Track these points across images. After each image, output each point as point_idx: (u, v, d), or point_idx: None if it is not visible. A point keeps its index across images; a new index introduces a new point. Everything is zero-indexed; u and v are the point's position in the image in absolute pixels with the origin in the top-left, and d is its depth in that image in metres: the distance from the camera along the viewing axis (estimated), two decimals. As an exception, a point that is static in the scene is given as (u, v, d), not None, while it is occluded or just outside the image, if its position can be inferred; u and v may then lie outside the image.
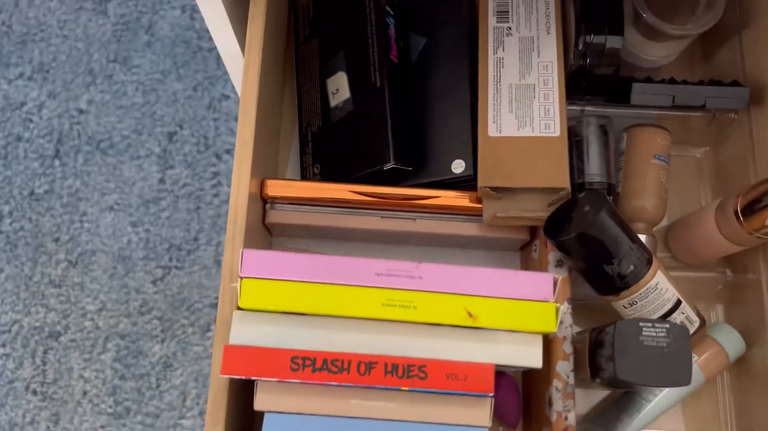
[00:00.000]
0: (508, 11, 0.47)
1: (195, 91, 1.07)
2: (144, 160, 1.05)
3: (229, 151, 1.04)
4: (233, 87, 1.05)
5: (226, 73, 1.07)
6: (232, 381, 0.37)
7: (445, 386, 0.35)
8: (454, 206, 0.45)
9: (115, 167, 1.04)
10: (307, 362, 0.34)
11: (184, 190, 1.04)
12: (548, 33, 0.47)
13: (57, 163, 1.04)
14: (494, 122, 0.44)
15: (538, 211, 0.43)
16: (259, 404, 0.34)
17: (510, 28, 0.47)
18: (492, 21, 0.47)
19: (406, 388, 0.35)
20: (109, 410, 0.97)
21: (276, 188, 0.43)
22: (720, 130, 0.52)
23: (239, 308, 0.36)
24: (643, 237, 0.48)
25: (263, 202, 0.45)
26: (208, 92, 1.07)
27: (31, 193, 1.03)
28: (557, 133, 0.43)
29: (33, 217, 1.02)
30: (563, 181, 0.41)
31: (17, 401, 0.97)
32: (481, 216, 0.45)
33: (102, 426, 0.97)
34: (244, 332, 0.35)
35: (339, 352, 0.35)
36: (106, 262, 1.01)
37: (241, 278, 0.35)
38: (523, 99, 0.44)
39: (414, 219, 0.45)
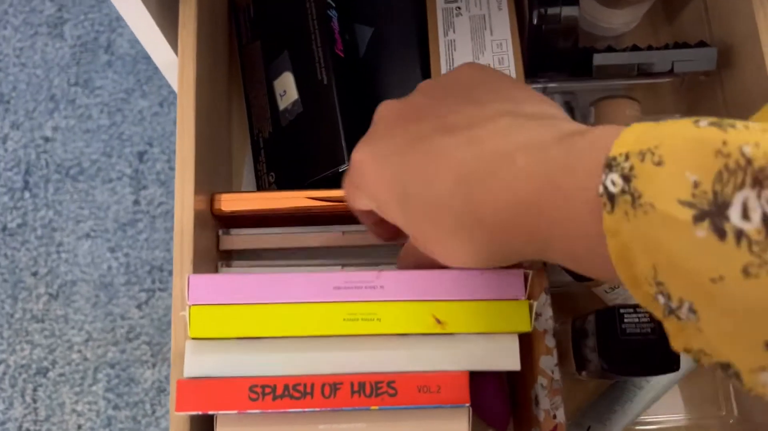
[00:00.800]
0: (456, -9, 0.45)
1: (161, 107, 1.04)
2: (116, 182, 1.02)
3: (202, 165, 1.01)
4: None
5: (190, 85, 1.04)
6: (194, 417, 0.35)
7: (417, 401, 0.33)
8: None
9: (87, 193, 1.01)
10: (267, 390, 0.31)
11: (159, 209, 1.01)
12: (500, 9, 0.44)
13: (27, 194, 1.02)
14: None
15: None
16: (219, 440, 0.32)
17: (459, 8, 0.44)
18: (440, 2, 0.45)
19: (376, 407, 0.33)
20: (106, 442, 0.95)
21: (228, 203, 0.41)
22: (690, 96, 0.50)
23: (191, 338, 0.33)
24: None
25: (216, 219, 0.42)
26: (175, 107, 1.04)
27: (4, 228, 1.01)
28: None
29: (8, 253, 1.00)
30: None
31: (11, 442, 0.95)
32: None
33: (100, 459, 0.95)
34: (199, 363, 0.32)
35: (301, 375, 0.32)
36: (88, 291, 0.98)
37: (189, 306, 0.32)
38: None
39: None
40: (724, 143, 0.20)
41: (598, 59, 0.42)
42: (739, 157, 0.19)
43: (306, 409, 0.32)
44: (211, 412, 0.31)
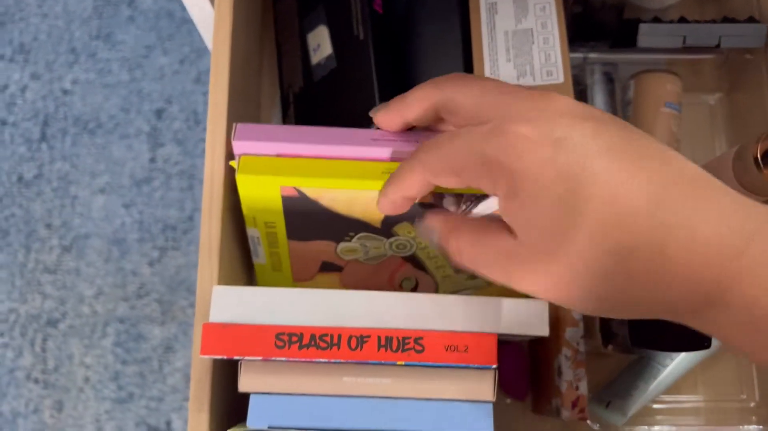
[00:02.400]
0: (499, -48, 0.43)
1: (182, 65, 1.04)
2: (133, 139, 1.02)
3: (221, 126, 1.01)
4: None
5: (212, 44, 1.03)
6: (216, 362, 0.34)
7: (444, 359, 0.32)
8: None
9: (104, 148, 1.01)
10: (294, 338, 0.31)
11: (176, 167, 1.01)
12: (544, -27, 0.43)
13: (44, 146, 1.01)
14: (492, 74, 0.40)
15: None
16: (243, 385, 0.32)
17: (502, -30, 0.43)
18: (482, -36, 0.44)
19: (402, 363, 0.32)
20: (113, 395, 0.96)
21: None
22: (733, 74, 0.49)
23: (223, 281, 0.33)
24: (654, 191, 0.44)
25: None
26: (195, 65, 1.03)
27: (20, 179, 1.00)
28: (561, 80, 0.39)
29: (23, 203, 1.00)
30: None
31: (19, 390, 0.96)
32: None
33: (106, 412, 0.95)
34: (226, 309, 0.32)
35: (328, 326, 0.32)
36: (101, 246, 0.99)
37: (240, 156, 0.32)
38: (521, 46, 0.40)
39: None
40: None
41: (644, 29, 0.41)
42: None
43: (331, 360, 0.31)
44: (236, 357, 0.31)
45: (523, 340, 0.46)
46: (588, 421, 0.38)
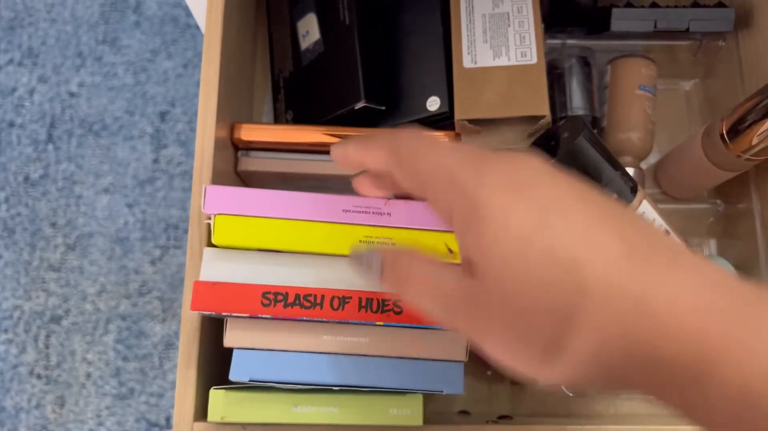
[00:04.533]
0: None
1: (185, 68, 1.06)
2: (137, 140, 1.04)
3: (222, 128, 1.03)
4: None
5: (214, 48, 1.05)
6: (204, 322, 0.36)
7: (420, 321, 0.34)
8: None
9: (108, 149, 1.03)
10: (279, 297, 0.33)
11: (178, 168, 1.03)
12: (522, -38, 0.45)
13: (51, 147, 1.04)
14: (469, 53, 0.42)
15: (518, 142, 0.41)
16: (228, 340, 0.33)
17: (482, -41, 0.45)
18: (463, -48, 0.46)
19: (381, 323, 0.34)
20: (114, 391, 0.97)
21: (247, 132, 0.42)
22: (708, 61, 0.50)
23: (210, 245, 0.35)
24: (630, 171, 0.46)
25: (235, 148, 0.43)
26: (198, 69, 1.06)
27: (26, 179, 1.03)
28: (534, 61, 0.41)
29: (29, 203, 1.02)
30: (543, 108, 0.40)
31: (22, 386, 0.97)
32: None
33: (107, 407, 0.97)
34: (215, 270, 0.34)
35: (312, 287, 0.34)
36: (104, 244, 1.00)
37: (215, 215, 0.34)
38: (497, 28, 0.42)
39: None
40: None
41: (617, 14, 0.43)
42: None
43: (314, 319, 0.33)
44: (223, 314, 0.33)
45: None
46: (564, 388, 0.39)
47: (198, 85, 1.03)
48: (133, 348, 0.97)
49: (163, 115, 1.04)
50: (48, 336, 0.97)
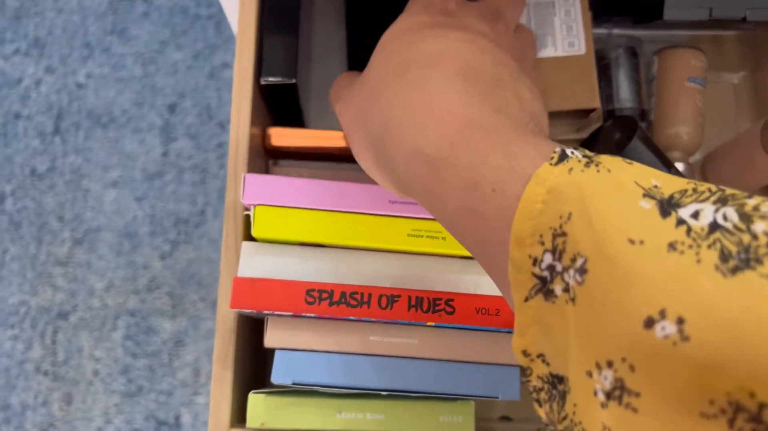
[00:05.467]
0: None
1: (195, 60, 1.04)
2: (146, 133, 1.02)
3: (233, 121, 1.01)
4: (235, 54, 1.02)
5: (226, 41, 1.04)
6: (240, 323, 0.34)
7: (474, 321, 0.32)
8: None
9: (116, 142, 1.01)
10: (324, 295, 0.31)
11: (188, 162, 1.01)
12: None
13: (58, 139, 1.02)
14: None
15: (568, 136, 0.39)
16: (269, 341, 0.31)
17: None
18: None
19: (432, 323, 0.32)
20: (122, 388, 0.95)
21: (277, 138, 0.40)
22: (758, 52, 0.48)
23: (247, 239, 0.33)
24: (680, 166, 0.44)
25: (266, 154, 0.41)
26: (209, 61, 1.04)
27: (33, 172, 1.01)
28: (582, 51, 0.39)
29: (36, 196, 1.00)
30: (594, 100, 0.38)
31: (28, 382, 0.95)
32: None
33: (115, 405, 0.95)
34: (254, 265, 0.31)
35: (358, 285, 0.31)
36: (112, 239, 0.99)
37: (255, 206, 0.32)
38: (542, 17, 0.40)
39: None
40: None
41: (670, 2, 0.41)
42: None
43: (361, 318, 0.31)
44: (265, 312, 0.31)
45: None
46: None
47: (208, 77, 1.01)
48: (141, 344, 0.95)
49: (172, 108, 1.02)
50: (55, 332, 0.95)
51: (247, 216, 0.33)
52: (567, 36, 0.40)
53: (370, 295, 0.31)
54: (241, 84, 0.37)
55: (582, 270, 0.18)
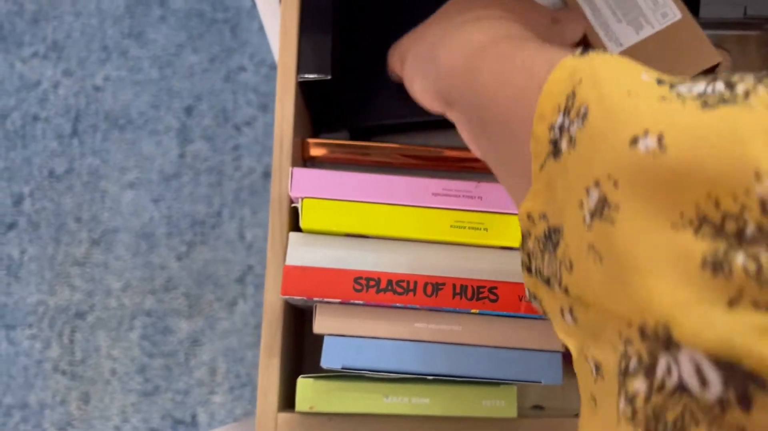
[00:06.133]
0: None
1: (211, 63, 1.05)
2: (163, 135, 1.03)
3: (249, 123, 1.02)
4: (250, 57, 1.03)
5: (242, 44, 1.05)
6: (284, 311, 0.35)
7: (517, 308, 0.33)
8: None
9: (134, 143, 1.02)
10: (371, 282, 0.32)
11: (204, 164, 1.02)
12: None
13: (75, 141, 1.03)
14: (609, 39, 0.40)
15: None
16: (318, 327, 0.32)
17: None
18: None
19: (476, 311, 0.33)
20: (139, 388, 0.96)
21: (318, 149, 0.41)
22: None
23: (295, 231, 0.34)
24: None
25: (304, 162, 0.42)
26: (225, 64, 1.05)
27: (51, 173, 1.02)
28: (679, 15, 0.39)
29: (54, 197, 1.01)
30: (714, 55, 0.38)
31: (46, 382, 0.96)
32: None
33: (132, 404, 0.96)
34: (301, 254, 0.32)
35: (404, 273, 0.32)
36: (129, 240, 1.00)
37: (302, 198, 0.33)
38: (623, 3, 0.41)
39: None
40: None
41: (707, 1, 0.42)
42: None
43: (407, 305, 0.32)
44: (314, 299, 0.32)
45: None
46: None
47: (224, 79, 1.02)
48: (158, 344, 0.96)
49: (189, 110, 1.03)
50: (73, 332, 0.96)
51: (294, 209, 0.33)
52: (656, 9, 0.40)
53: (416, 283, 0.32)
54: (284, 80, 0.38)
55: (583, 116, 0.21)
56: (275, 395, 0.33)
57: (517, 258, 0.33)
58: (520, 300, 0.32)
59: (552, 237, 0.22)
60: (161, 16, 1.06)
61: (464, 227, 0.33)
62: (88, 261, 1.00)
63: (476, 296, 0.32)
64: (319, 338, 0.34)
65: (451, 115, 0.30)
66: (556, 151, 0.22)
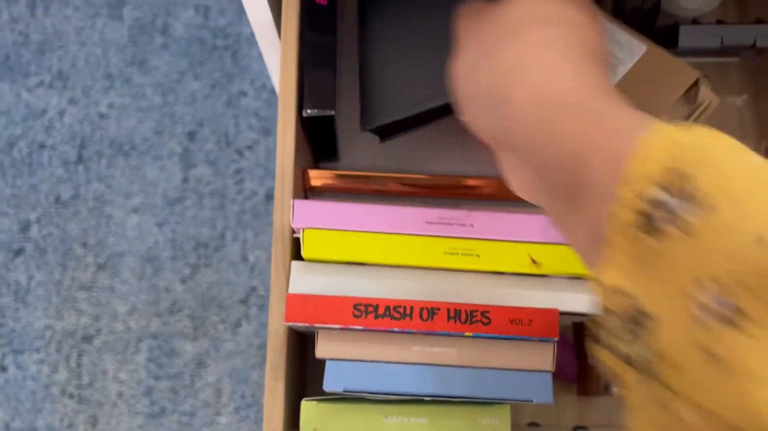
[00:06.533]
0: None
1: (213, 89, 1.07)
2: (166, 160, 1.05)
3: (251, 147, 1.04)
4: (251, 83, 1.05)
5: (242, 70, 1.07)
6: (289, 336, 0.37)
7: (509, 331, 0.35)
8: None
9: (138, 169, 1.04)
10: (370, 308, 0.34)
11: (207, 188, 1.04)
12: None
13: (81, 168, 1.05)
14: None
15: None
16: (320, 352, 0.34)
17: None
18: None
19: (470, 334, 0.35)
20: (145, 410, 0.97)
21: (318, 179, 0.43)
22: (760, 76, 0.52)
23: (298, 259, 0.35)
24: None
25: (304, 192, 0.44)
26: (226, 90, 1.07)
27: (57, 199, 1.04)
28: (644, 47, 0.41)
29: (60, 223, 1.03)
30: (690, 73, 0.40)
31: (54, 405, 0.97)
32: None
33: (139, 426, 0.97)
34: (303, 282, 0.34)
35: (401, 299, 0.34)
36: (135, 264, 1.01)
37: (303, 229, 0.35)
38: None
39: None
40: None
41: (685, 30, 0.44)
42: None
43: (404, 329, 0.34)
44: (316, 325, 0.33)
45: (566, 328, 0.49)
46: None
47: (226, 104, 1.04)
48: (164, 366, 0.97)
49: (191, 135, 1.05)
50: (80, 356, 0.97)
51: (296, 239, 0.35)
52: (621, 48, 0.42)
53: (412, 308, 0.34)
54: (285, 115, 0.40)
55: (709, 208, 0.20)
56: (280, 418, 0.34)
57: (508, 281, 0.35)
58: (511, 323, 0.34)
59: (640, 321, 0.21)
60: (163, 43, 1.09)
61: (457, 254, 0.35)
62: (94, 286, 1.01)
63: (470, 320, 0.34)
64: (322, 362, 0.35)
65: (506, 156, 0.29)
66: (650, 227, 0.21)
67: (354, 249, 0.35)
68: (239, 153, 1.04)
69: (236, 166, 1.04)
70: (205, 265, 1.01)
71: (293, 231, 0.37)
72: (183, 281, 1.01)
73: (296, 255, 0.37)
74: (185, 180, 1.04)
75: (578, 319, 0.46)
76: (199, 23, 1.10)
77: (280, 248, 0.37)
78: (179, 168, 1.04)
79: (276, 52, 0.49)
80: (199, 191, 1.03)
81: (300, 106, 0.41)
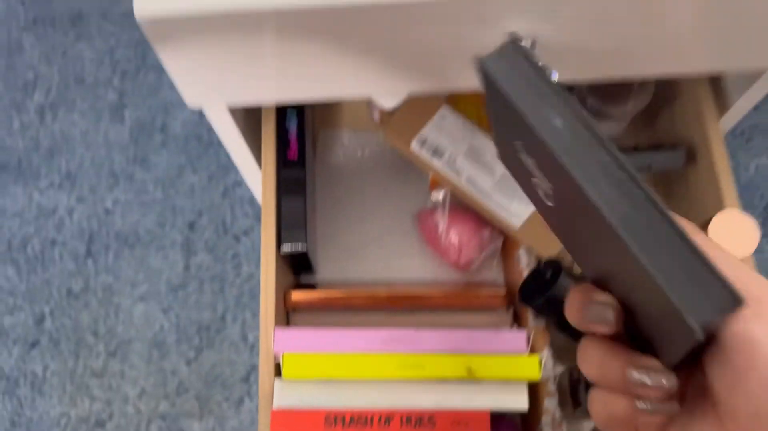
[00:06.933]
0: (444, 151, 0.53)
1: (210, 181, 1.15)
2: (168, 250, 1.11)
3: (247, 233, 1.11)
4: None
5: (236, 162, 1.15)
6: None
7: (450, 431, 0.43)
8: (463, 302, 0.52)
9: (142, 260, 1.11)
10: (338, 419, 0.42)
11: (207, 273, 1.10)
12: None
13: (90, 261, 1.11)
14: (512, 216, 0.51)
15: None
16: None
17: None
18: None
19: (420, 436, 0.43)
20: (157, 489, 1.02)
21: (298, 297, 0.51)
22: (666, 188, 0.60)
23: (280, 377, 0.44)
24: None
25: (286, 311, 0.53)
26: (222, 181, 1.14)
27: (69, 292, 1.10)
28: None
29: (72, 314, 1.09)
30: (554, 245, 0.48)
31: (71, 490, 1.02)
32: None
33: (151, 505, 1.01)
34: (285, 397, 0.42)
35: (363, 409, 0.42)
36: (142, 349, 1.07)
37: (283, 354, 0.43)
38: (506, 184, 0.51)
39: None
40: None
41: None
42: None
43: (367, 435, 0.42)
44: (296, 437, 0.41)
45: (516, 415, 0.56)
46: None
47: (222, 195, 1.12)
48: (173, 446, 1.03)
49: (191, 225, 1.12)
50: (94, 440, 1.03)
51: (277, 364, 0.44)
52: (522, 201, 0.50)
53: (372, 417, 0.42)
54: (266, 251, 0.49)
55: None
56: None
57: (447, 390, 0.43)
58: (452, 424, 0.42)
59: None
60: (162, 141, 1.17)
61: (407, 367, 0.43)
62: (105, 372, 1.07)
63: (419, 424, 0.42)
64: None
65: None
66: None
67: (325, 367, 0.43)
68: (236, 239, 1.11)
69: (234, 251, 1.10)
70: (208, 347, 1.07)
71: (275, 355, 0.45)
72: (188, 363, 1.06)
73: (279, 373, 0.46)
74: (187, 267, 1.10)
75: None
76: (195, 121, 1.18)
77: (265, 370, 0.45)
78: (181, 256, 1.11)
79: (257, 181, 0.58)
80: (200, 277, 1.10)
81: (279, 241, 0.50)
